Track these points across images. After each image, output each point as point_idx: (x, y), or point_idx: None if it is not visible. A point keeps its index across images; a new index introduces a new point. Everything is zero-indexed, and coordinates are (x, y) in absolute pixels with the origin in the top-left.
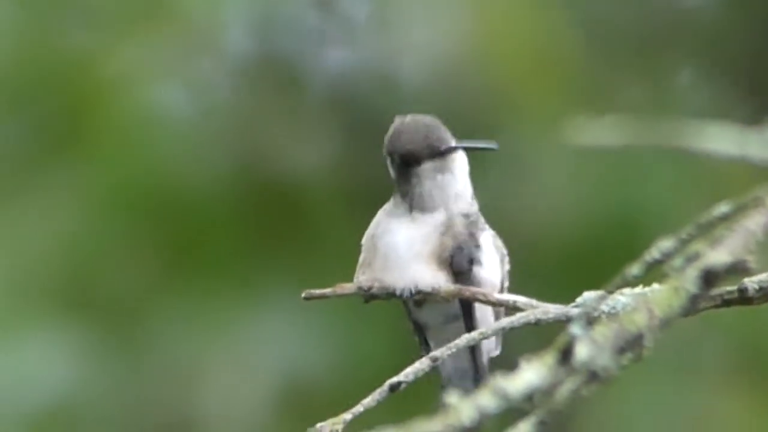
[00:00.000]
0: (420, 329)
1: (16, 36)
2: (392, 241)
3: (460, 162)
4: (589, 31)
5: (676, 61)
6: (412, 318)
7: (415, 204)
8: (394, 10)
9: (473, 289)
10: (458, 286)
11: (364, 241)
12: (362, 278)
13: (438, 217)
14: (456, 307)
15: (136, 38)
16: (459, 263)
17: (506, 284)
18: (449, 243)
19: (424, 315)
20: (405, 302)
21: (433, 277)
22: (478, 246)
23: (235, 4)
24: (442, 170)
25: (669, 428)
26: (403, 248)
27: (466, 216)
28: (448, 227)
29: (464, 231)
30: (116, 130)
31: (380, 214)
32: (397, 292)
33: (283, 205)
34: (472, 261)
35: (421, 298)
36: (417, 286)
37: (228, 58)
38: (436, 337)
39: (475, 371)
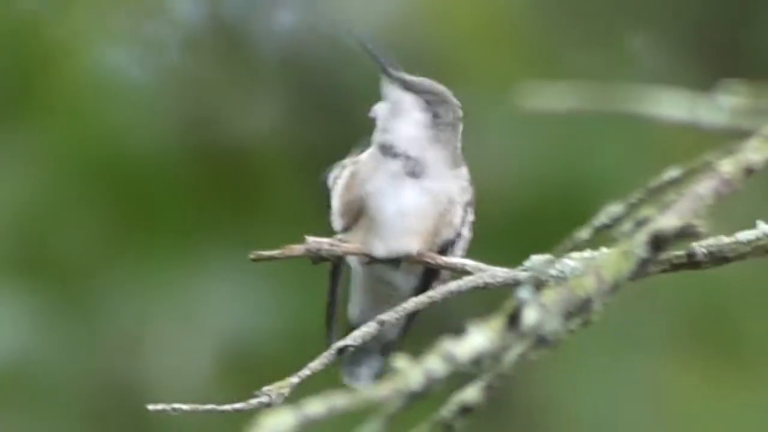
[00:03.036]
0: (336, 286)
1: None
2: (384, 206)
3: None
4: None
5: (627, 26)
6: (334, 273)
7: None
8: None
9: (424, 253)
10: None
11: (345, 184)
12: (341, 235)
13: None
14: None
15: (86, 1)
16: (446, 252)
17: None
18: (445, 231)
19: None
20: (337, 261)
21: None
22: (465, 236)
23: None
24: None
25: (616, 396)
26: (395, 219)
27: (467, 186)
28: (447, 208)
29: (460, 220)
30: (67, 94)
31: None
32: (378, 256)
33: (232, 169)
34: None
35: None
36: (398, 255)
37: (177, 20)
38: (364, 287)
39: (404, 331)
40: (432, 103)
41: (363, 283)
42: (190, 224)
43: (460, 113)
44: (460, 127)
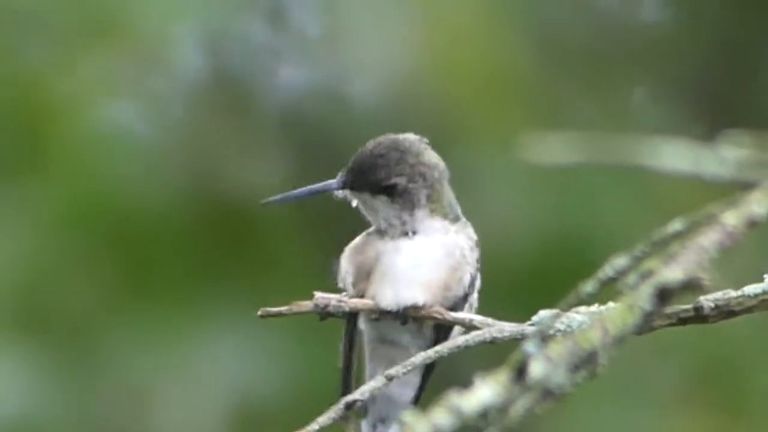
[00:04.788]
0: (351, 351)
1: None
2: (397, 260)
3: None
4: (543, 47)
5: (630, 77)
6: (348, 338)
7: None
8: (347, 28)
9: (432, 308)
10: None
11: (356, 259)
12: (354, 291)
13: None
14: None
15: (89, 56)
16: (456, 308)
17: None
18: (455, 287)
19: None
20: (350, 319)
21: (429, 305)
22: (475, 291)
23: (187, 22)
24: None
25: None
26: (408, 270)
27: (475, 246)
28: (459, 261)
29: (470, 280)
30: (70, 149)
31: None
32: (387, 307)
33: (237, 224)
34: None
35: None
36: (405, 306)
37: (180, 76)
38: (376, 354)
39: (419, 392)
40: (375, 181)
41: (371, 350)
42: (196, 279)
43: (420, 157)
44: (431, 169)
